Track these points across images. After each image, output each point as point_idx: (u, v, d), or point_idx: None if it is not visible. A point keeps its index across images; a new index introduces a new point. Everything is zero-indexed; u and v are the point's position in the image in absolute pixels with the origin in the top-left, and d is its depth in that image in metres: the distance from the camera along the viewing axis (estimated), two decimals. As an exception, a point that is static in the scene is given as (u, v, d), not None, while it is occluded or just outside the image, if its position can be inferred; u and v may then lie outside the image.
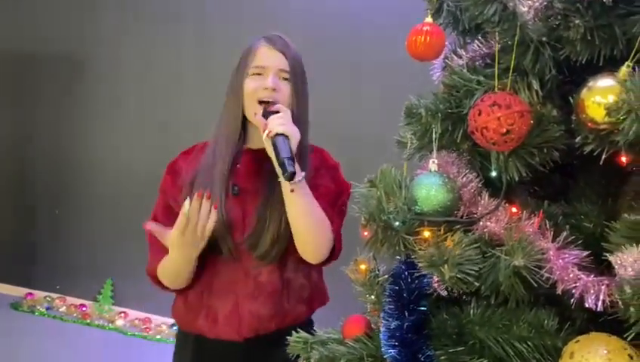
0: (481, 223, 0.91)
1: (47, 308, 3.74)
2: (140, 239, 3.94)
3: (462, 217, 0.93)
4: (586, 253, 0.83)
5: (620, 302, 0.75)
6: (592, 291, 0.77)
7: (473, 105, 0.84)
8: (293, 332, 1.07)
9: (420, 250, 0.88)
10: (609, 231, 0.84)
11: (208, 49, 3.37)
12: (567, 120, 0.88)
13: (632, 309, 0.73)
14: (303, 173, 1.19)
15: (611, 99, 0.76)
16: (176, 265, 1.29)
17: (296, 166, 1.17)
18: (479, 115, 0.82)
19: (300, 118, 1.29)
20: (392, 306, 1.01)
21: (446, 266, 0.79)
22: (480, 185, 0.94)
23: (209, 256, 1.30)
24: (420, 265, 0.85)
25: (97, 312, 3.71)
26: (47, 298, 3.81)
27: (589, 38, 0.80)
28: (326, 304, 1.43)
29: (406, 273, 1.08)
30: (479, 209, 0.93)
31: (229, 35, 3.26)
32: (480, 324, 1.01)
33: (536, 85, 0.86)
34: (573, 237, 0.89)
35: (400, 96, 3.13)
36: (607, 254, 0.80)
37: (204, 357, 1.34)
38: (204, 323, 1.30)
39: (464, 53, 1.00)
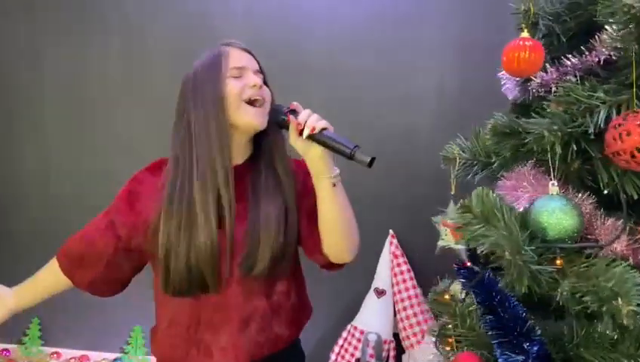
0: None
1: (-39, 359, 3.28)
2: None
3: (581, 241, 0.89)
4: None
5: None
6: None
7: (613, 125, 0.80)
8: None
9: (556, 280, 0.82)
10: None
11: (139, 59, 3.10)
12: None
13: None
14: (337, 170, 1.15)
15: None
16: None
17: (332, 160, 1.14)
18: (628, 135, 0.78)
19: None
20: (504, 339, 0.95)
21: (620, 299, 0.74)
22: (595, 206, 0.91)
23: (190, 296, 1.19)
24: (581, 297, 0.79)
25: (24, 356, 3.32)
26: (-41, 346, 3.34)
27: None
28: (310, 317, 1.39)
29: (501, 298, 1.03)
30: (599, 231, 0.89)
31: (164, 44, 3.04)
32: (585, 346, 0.98)
33: (660, 100, 0.84)
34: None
35: (343, 101, 3.08)
36: None
37: None
38: (196, 358, 1.20)
39: (553, 69, 0.97)
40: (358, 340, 2.87)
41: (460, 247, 1.16)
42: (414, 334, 2.82)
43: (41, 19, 3.18)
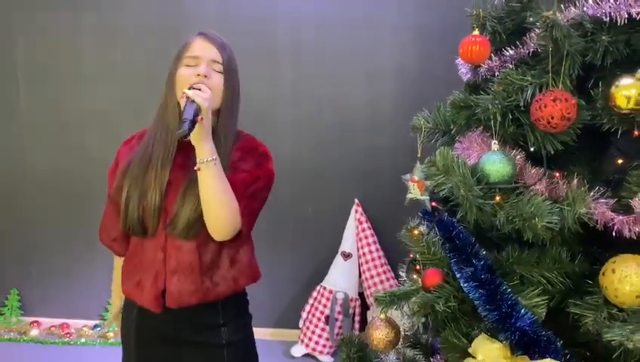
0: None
1: (-58, 330, 3.40)
2: (45, 242, 3.68)
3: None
4: (612, 201, 1.17)
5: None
6: (625, 226, 1.12)
7: (536, 100, 1.14)
8: (380, 290, 1.28)
9: (497, 211, 1.16)
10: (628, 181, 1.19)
11: (109, 40, 3.29)
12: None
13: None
14: (215, 156, 1.28)
15: (633, 92, 1.11)
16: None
17: (207, 146, 1.26)
18: (545, 107, 1.12)
19: (228, 110, 1.40)
20: (457, 258, 1.28)
21: (536, 218, 1.08)
22: (525, 159, 1.25)
23: (139, 237, 1.46)
24: (512, 220, 1.13)
25: (5, 326, 3.47)
26: (-61, 318, 3.47)
27: (610, 49, 1.14)
28: (257, 281, 1.51)
29: (456, 231, 1.37)
30: (527, 176, 1.24)
31: (131, 28, 3.24)
32: (517, 263, 1.33)
33: (568, 82, 1.18)
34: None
35: (308, 78, 3.33)
36: (629, 199, 1.16)
37: (142, 320, 1.49)
38: (135, 291, 1.46)
39: (497, 58, 1.30)
40: (327, 299, 3.17)
41: (425, 198, 1.48)
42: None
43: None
